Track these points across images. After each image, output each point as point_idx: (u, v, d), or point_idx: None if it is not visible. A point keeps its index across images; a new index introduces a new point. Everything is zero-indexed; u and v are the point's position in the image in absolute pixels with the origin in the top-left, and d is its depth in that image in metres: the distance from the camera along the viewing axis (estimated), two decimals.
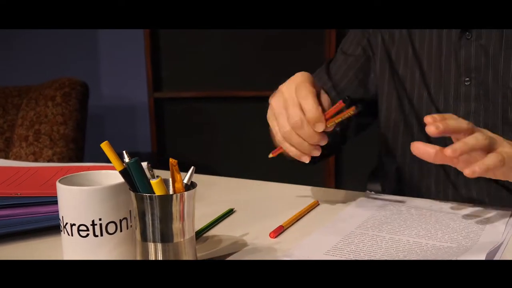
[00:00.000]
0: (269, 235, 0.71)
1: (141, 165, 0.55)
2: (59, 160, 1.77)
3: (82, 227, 0.59)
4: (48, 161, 1.76)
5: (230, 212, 0.82)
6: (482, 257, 0.59)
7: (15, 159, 1.79)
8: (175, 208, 0.56)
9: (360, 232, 0.71)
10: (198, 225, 0.73)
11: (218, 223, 0.78)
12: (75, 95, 1.83)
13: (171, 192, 0.58)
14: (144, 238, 0.56)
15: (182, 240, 0.57)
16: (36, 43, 2.39)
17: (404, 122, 1.01)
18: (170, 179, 0.58)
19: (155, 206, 0.55)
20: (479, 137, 0.65)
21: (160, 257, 0.56)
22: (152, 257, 0.56)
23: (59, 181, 0.61)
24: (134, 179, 0.55)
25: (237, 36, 2.18)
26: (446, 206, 0.81)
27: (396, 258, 0.63)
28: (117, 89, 2.40)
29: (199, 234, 0.73)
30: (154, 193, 0.55)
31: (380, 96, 1.03)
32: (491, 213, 0.76)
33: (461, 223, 0.73)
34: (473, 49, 0.90)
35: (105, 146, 0.55)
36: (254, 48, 2.21)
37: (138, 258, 0.57)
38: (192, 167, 0.60)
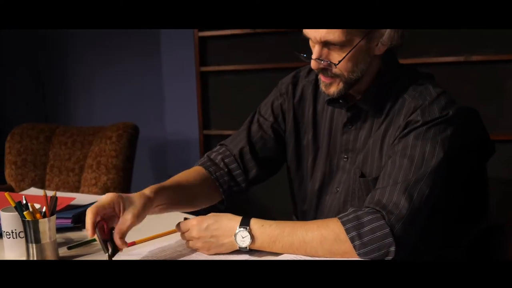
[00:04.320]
0: None
1: (22, 203, 1.09)
2: (112, 184, 2.40)
3: (7, 233, 1.15)
4: (103, 184, 2.40)
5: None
6: None
7: (84, 182, 2.46)
8: (40, 226, 1.08)
9: (171, 249, 1.17)
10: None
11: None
12: (126, 135, 2.47)
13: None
14: (27, 240, 1.10)
15: (46, 241, 1.09)
16: (116, 91, 3.12)
17: (299, 180, 1.38)
18: None
19: (27, 225, 1.08)
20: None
21: (35, 252, 1.09)
22: (31, 251, 1.09)
23: (2, 210, 1.17)
24: (19, 211, 1.09)
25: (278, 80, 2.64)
26: None
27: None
28: (176, 126, 3.01)
29: (92, 241, 1.24)
30: (26, 218, 1.08)
31: (288, 156, 1.38)
32: None
33: None
34: (352, 136, 1.27)
35: (6, 195, 1.09)
36: None
37: (25, 252, 1.11)
38: (56, 197, 1.11)
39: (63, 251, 1.18)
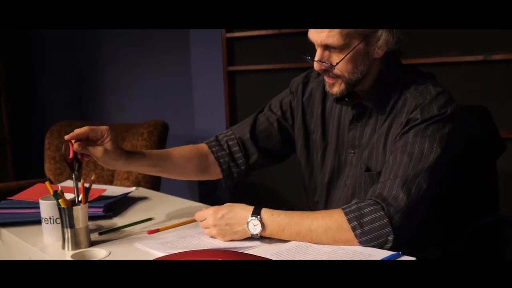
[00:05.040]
0: (147, 232, 1.32)
1: (57, 193, 1.21)
2: (143, 178, 2.54)
3: (46, 219, 1.28)
4: (135, 178, 2.54)
5: (149, 219, 1.44)
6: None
7: (117, 176, 2.60)
8: (74, 213, 1.21)
9: (191, 236, 1.28)
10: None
11: (136, 224, 1.40)
12: (156, 132, 2.60)
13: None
14: (62, 225, 1.22)
15: (80, 227, 1.22)
16: (148, 90, 3.26)
17: (309, 173, 1.48)
18: None
19: (63, 211, 1.21)
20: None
21: (69, 236, 1.22)
22: (66, 235, 1.22)
23: (41, 198, 1.30)
24: (56, 199, 1.22)
25: None
26: None
27: (187, 249, 1.19)
28: (205, 123, 3.14)
29: (120, 227, 1.37)
30: (62, 207, 1.21)
31: (297, 151, 1.48)
32: None
33: None
34: (358, 133, 1.35)
35: (47, 184, 1.22)
36: None
37: (61, 237, 1.23)
38: (88, 188, 1.24)
39: (95, 236, 1.31)
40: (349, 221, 1.15)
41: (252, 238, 1.23)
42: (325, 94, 1.42)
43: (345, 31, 1.19)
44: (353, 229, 1.14)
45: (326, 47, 1.23)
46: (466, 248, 1.37)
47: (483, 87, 2.28)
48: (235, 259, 0.90)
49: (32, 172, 2.97)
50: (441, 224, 1.41)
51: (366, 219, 1.14)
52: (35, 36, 3.38)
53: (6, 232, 1.40)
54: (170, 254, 1.02)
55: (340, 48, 1.21)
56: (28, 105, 3.38)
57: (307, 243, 1.18)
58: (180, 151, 1.44)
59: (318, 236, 1.17)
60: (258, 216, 1.20)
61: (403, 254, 1.10)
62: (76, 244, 1.23)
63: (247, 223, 1.20)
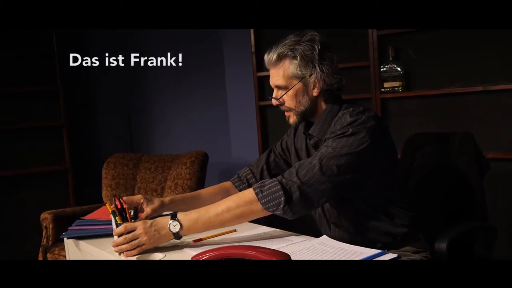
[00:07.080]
0: (192, 241, 1.67)
1: (115, 212, 1.58)
2: None
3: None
4: None
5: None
6: None
7: None
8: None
9: (228, 243, 1.62)
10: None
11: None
12: (197, 161, 2.98)
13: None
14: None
15: None
16: (189, 124, 3.67)
17: None
18: None
19: (118, 225, 1.57)
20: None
21: None
22: None
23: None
24: (113, 216, 1.59)
25: None
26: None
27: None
28: (240, 152, 3.50)
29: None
30: (118, 222, 1.58)
31: None
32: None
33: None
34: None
35: (107, 206, 1.60)
36: None
37: None
38: (132, 210, 1.61)
39: None
40: (254, 189, 1.52)
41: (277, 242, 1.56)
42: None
43: (286, 75, 1.60)
44: (256, 194, 1.50)
45: (278, 87, 1.64)
46: (451, 248, 1.65)
47: (484, 112, 2.57)
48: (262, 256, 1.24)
49: (90, 198, 3.39)
50: (429, 226, 1.70)
51: (266, 187, 1.51)
52: (91, 78, 3.86)
53: (82, 242, 1.78)
54: (206, 250, 1.38)
55: (285, 87, 1.62)
56: (85, 140, 3.84)
57: (315, 244, 1.50)
58: (208, 189, 1.85)
59: (224, 217, 1.53)
60: (176, 218, 1.54)
61: (388, 252, 1.41)
62: None
63: (169, 225, 1.53)
